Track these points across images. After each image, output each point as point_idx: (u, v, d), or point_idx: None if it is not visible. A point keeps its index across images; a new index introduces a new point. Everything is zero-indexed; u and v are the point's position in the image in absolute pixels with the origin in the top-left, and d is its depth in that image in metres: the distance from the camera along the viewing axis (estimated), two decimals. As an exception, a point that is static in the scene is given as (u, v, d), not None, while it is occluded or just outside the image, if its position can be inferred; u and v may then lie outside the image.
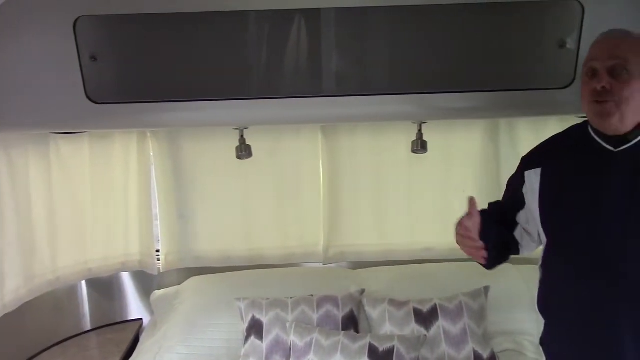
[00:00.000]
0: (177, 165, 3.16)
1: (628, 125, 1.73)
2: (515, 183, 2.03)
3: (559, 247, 1.90)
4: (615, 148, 1.76)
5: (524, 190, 1.98)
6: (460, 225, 1.84)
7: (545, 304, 1.99)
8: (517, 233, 2.04)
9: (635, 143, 1.75)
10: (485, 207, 3.08)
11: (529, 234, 2.01)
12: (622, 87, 1.69)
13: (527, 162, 2.01)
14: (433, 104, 2.56)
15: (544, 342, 2.05)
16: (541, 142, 2.06)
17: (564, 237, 1.87)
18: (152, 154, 3.15)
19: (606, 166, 1.77)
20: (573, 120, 2.88)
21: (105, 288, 3.30)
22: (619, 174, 1.75)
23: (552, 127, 3.03)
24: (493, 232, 1.91)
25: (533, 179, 1.94)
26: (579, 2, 2.39)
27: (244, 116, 2.63)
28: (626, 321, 1.74)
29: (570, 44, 2.47)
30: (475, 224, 1.83)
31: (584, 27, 2.42)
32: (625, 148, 1.75)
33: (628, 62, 1.69)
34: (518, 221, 2.02)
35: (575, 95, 2.50)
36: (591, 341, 1.81)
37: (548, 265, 1.96)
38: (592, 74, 1.75)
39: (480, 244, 1.81)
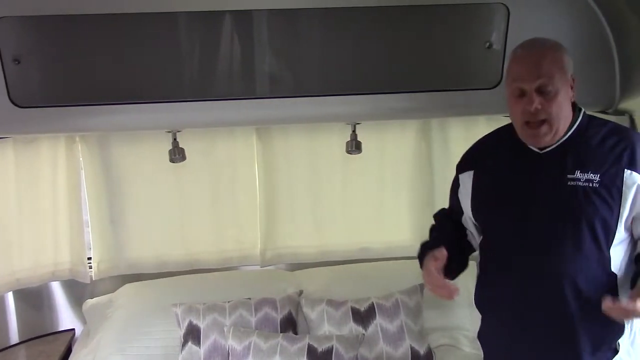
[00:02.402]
0: (108, 170, 3.08)
1: (560, 134, 1.81)
2: (454, 188, 2.09)
3: (489, 245, 1.96)
4: (541, 150, 1.83)
5: (459, 194, 2.03)
6: (427, 270, 1.87)
7: (480, 299, 2.04)
8: (469, 236, 2.08)
9: (560, 144, 1.82)
10: (422, 206, 3.17)
11: (474, 236, 2.06)
12: (551, 104, 1.74)
13: (461, 165, 2.07)
14: (366, 105, 2.60)
15: (481, 335, 2.10)
16: (473, 144, 2.11)
17: (493, 235, 1.93)
18: (81, 159, 3.06)
19: (532, 167, 1.84)
20: (501, 119, 2.98)
21: (34, 298, 3.17)
22: (545, 175, 1.82)
23: (481, 126, 3.12)
24: (448, 248, 1.90)
25: (466, 181, 1.99)
26: (504, 5, 2.47)
27: (176, 119, 2.59)
28: (553, 314, 1.80)
29: (497, 45, 2.54)
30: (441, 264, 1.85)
31: (509, 29, 2.50)
32: (551, 149, 1.82)
33: (553, 78, 1.74)
34: (465, 225, 2.07)
35: (502, 95, 2.59)
36: (524, 334, 1.86)
37: (482, 261, 2.01)
38: (520, 93, 1.78)
39: (445, 283, 1.84)
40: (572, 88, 1.80)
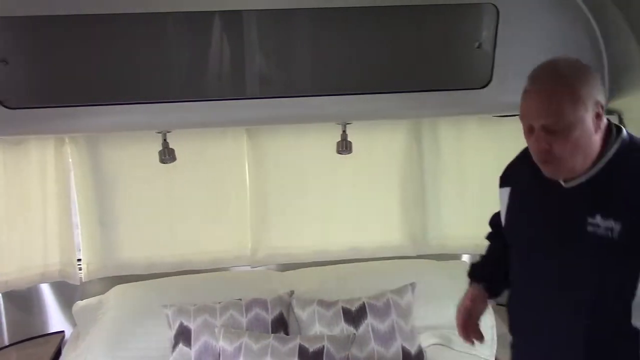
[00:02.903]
0: (98, 171, 3.07)
1: (580, 170, 1.65)
2: (496, 217, 2.01)
3: (513, 267, 1.90)
4: (565, 182, 1.68)
5: (500, 207, 1.96)
6: (459, 309, 1.96)
7: (509, 303, 1.96)
8: None
9: (585, 181, 1.65)
10: (412, 206, 3.18)
11: None
12: (561, 143, 1.59)
13: (502, 179, 1.98)
14: (356, 105, 2.60)
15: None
16: (518, 155, 1.97)
17: (514, 259, 1.88)
18: (70, 160, 3.04)
19: (558, 200, 1.71)
20: (491, 119, 3.00)
21: (23, 300, 3.15)
22: (568, 211, 1.68)
23: (471, 126, 3.14)
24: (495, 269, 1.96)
25: (504, 197, 1.91)
26: (494, 5, 2.47)
27: (166, 119, 2.58)
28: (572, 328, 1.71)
29: (487, 46, 2.55)
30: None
31: (499, 29, 2.51)
32: (574, 185, 1.67)
33: (562, 115, 1.58)
34: None
35: (492, 95, 2.60)
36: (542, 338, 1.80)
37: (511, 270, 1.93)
38: (529, 129, 1.65)
39: (468, 328, 1.95)
40: (599, 116, 1.61)
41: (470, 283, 2.03)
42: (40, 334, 3.19)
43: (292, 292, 2.91)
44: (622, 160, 1.63)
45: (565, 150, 1.60)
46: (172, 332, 2.73)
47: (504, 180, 1.95)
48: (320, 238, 3.21)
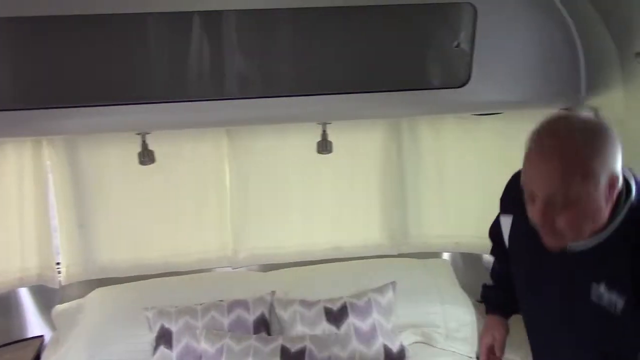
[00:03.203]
0: (77, 173, 3.04)
1: (585, 237, 1.51)
2: (497, 230, 1.90)
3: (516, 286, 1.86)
4: (569, 246, 1.55)
5: (502, 231, 1.85)
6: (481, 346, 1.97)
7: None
8: None
9: (590, 248, 1.52)
10: (393, 205, 3.19)
11: None
12: (567, 218, 1.44)
13: (503, 205, 1.88)
14: (336, 104, 2.60)
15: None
16: (514, 176, 1.84)
17: (517, 292, 1.84)
18: (48, 162, 3.01)
19: (556, 256, 1.57)
20: (470, 118, 3.02)
21: (1, 305, 3.11)
22: (567, 269, 1.60)
23: (450, 125, 3.16)
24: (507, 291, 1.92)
25: (506, 224, 1.82)
26: (472, 5, 2.49)
27: (145, 121, 2.57)
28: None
29: (465, 45, 2.57)
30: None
31: (477, 29, 2.53)
32: (577, 251, 1.55)
33: (571, 191, 1.41)
34: None
35: (471, 94, 2.62)
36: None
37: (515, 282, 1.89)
38: (530, 195, 1.49)
39: None
40: (612, 186, 1.43)
41: (486, 310, 2.05)
42: (19, 338, 3.15)
43: (273, 293, 2.91)
44: (629, 228, 1.48)
45: (569, 225, 1.45)
46: (153, 335, 2.71)
47: (505, 207, 1.84)
48: (302, 238, 3.22)
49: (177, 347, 2.65)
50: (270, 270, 3.22)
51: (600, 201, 1.43)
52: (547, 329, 1.73)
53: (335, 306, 2.77)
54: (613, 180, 1.43)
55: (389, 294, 2.83)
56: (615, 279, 1.49)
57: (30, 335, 3.18)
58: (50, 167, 3.01)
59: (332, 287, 2.93)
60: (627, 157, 2.66)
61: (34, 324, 3.19)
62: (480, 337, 2.03)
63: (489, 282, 2.09)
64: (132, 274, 3.13)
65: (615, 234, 1.49)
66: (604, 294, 1.51)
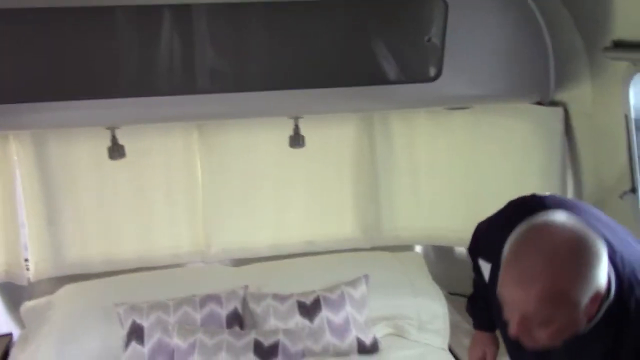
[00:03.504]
0: (45, 168, 2.99)
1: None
2: (476, 271, 1.88)
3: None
4: None
5: (483, 275, 1.80)
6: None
7: None
8: None
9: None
10: (365, 199, 3.20)
11: None
12: (544, 333, 1.35)
13: (477, 250, 1.87)
14: (308, 99, 2.60)
15: None
16: (493, 225, 1.81)
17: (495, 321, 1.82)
18: (15, 158, 2.95)
19: None
20: (441, 112, 3.04)
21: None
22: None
23: (422, 120, 3.17)
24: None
25: (485, 268, 1.77)
26: (443, 0, 2.51)
27: (115, 116, 2.54)
28: None
29: (436, 40, 2.59)
30: None
31: (448, 23, 2.55)
32: None
33: (550, 317, 1.32)
34: None
35: (442, 88, 2.64)
36: None
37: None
38: (506, 304, 1.38)
39: None
40: (594, 302, 1.34)
41: (474, 325, 2.05)
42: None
43: (246, 287, 2.90)
44: (603, 330, 1.42)
45: (547, 338, 1.37)
46: (125, 331, 2.69)
47: (482, 252, 1.79)
48: (274, 232, 3.21)
49: (149, 343, 2.63)
50: (243, 265, 3.21)
51: (581, 318, 1.35)
52: None
53: (309, 300, 2.77)
54: (596, 297, 1.33)
55: (362, 287, 2.84)
56: None
57: (-4, 334, 3.14)
58: (17, 163, 2.96)
59: (305, 281, 2.94)
60: (595, 151, 2.73)
61: (2, 322, 3.14)
62: (469, 351, 2.03)
63: (473, 293, 2.04)
64: (103, 270, 3.09)
65: (591, 332, 1.42)
66: None
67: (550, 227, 1.35)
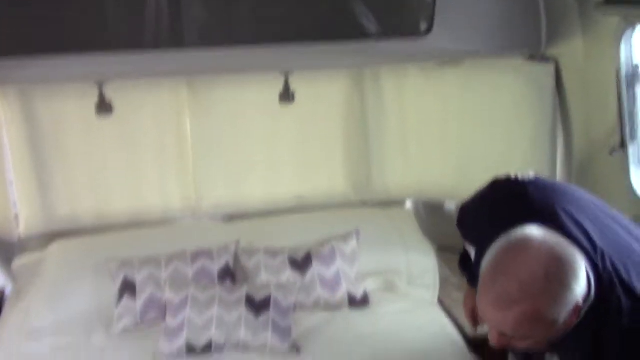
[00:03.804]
0: (32, 125, 2.95)
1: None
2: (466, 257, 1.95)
3: None
4: None
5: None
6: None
7: None
8: None
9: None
10: (356, 155, 3.20)
11: None
12: (523, 344, 1.43)
13: (464, 232, 1.90)
14: (299, 54, 2.57)
15: None
16: (478, 207, 1.82)
17: None
18: (2, 115, 2.91)
19: None
20: (433, 67, 3.02)
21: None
22: None
23: (412, 75, 3.15)
24: None
25: (471, 251, 1.83)
26: (435, -48, 2.47)
27: (102, 70, 2.51)
28: None
29: (427, -6, 2.55)
30: None
31: None
32: None
33: (524, 333, 1.38)
34: None
35: (434, 42, 2.62)
36: None
37: None
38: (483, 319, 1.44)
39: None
40: (573, 314, 1.38)
41: (467, 281, 2.05)
42: (-22, 293, 3.12)
43: (237, 242, 2.91)
44: (582, 333, 1.45)
45: (527, 347, 1.44)
46: (116, 287, 2.71)
47: (467, 236, 1.83)
48: (265, 188, 3.20)
49: (141, 298, 2.65)
50: (234, 220, 3.22)
51: (559, 330, 1.39)
52: None
53: (300, 255, 2.80)
54: (575, 310, 1.37)
55: (353, 242, 2.86)
56: (570, 357, 1.53)
57: (-10, 289, 3.15)
58: (3, 120, 2.92)
59: (296, 236, 2.95)
60: (586, 105, 2.73)
61: (-6, 278, 3.16)
62: (464, 305, 2.04)
63: (464, 251, 2.05)
64: (93, 226, 3.09)
65: (572, 334, 1.44)
66: None
67: (527, 248, 1.37)
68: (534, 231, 1.42)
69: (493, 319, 1.38)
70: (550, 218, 1.50)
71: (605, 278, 1.43)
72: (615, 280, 1.44)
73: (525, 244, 1.39)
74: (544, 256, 1.35)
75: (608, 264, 1.45)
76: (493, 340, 1.43)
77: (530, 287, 1.32)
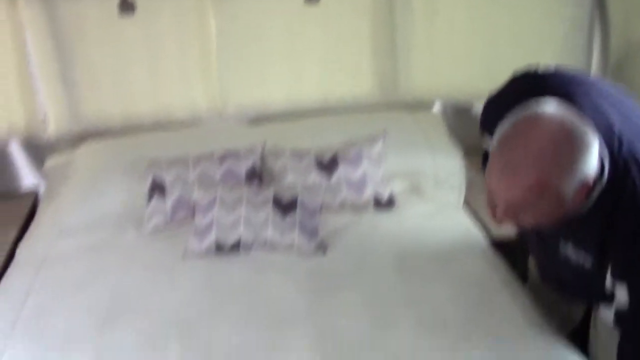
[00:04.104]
0: (55, 27, 2.91)
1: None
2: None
3: None
4: None
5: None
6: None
7: None
8: None
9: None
10: (383, 55, 3.12)
11: None
12: (529, 218, 1.45)
13: (487, 130, 1.83)
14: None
15: None
16: (492, 105, 1.84)
17: None
18: (25, 19, 2.87)
19: None
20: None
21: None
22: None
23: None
24: None
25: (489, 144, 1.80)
26: None
27: None
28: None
29: None
30: None
31: None
32: None
33: (531, 203, 1.39)
34: None
35: None
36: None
37: None
38: (490, 189, 1.46)
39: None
40: (582, 190, 1.39)
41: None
42: (13, 193, 3.20)
43: (264, 144, 2.91)
44: (598, 212, 1.46)
45: (533, 223, 1.46)
46: (146, 187, 2.75)
47: (489, 128, 1.76)
48: (290, 88, 3.16)
49: (170, 198, 2.69)
50: (261, 123, 3.21)
51: (566, 206, 1.39)
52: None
53: (326, 157, 2.79)
54: (582, 187, 1.37)
55: (379, 144, 2.84)
56: (583, 242, 1.53)
57: (23, 190, 3.22)
58: (26, 22, 2.89)
59: (322, 138, 2.94)
60: (625, 4, 2.60)
61: (26, 179, 3.22)
62: (486, 201, 2.04)
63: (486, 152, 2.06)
64: (121, 127, 3.11)
65: (586, 217, 1.46)
66: (572, 253, 1.56)
67: (538, 120, 1.37)
68: (547, 106, 1.42)
69: (501, 186, 1.40)
70: (567, 99, 1.48)
71: (621, 162, 1.43)
72: (632, 165, 1.43)
73: (537, 117, 1.39)
74: (555, 129, 1.36)
75: (625, 148, 1.44)
76: (499, 215, 1.46)
77: (537, 157, 1.34)
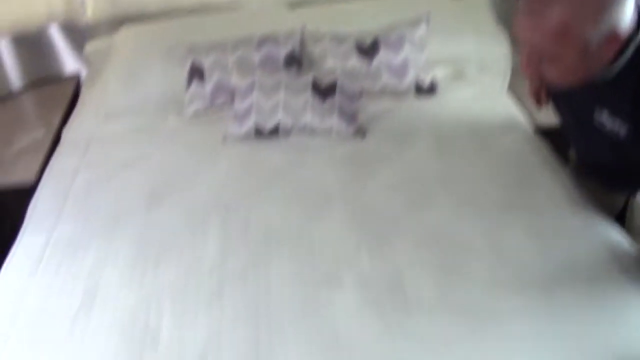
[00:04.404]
0: None
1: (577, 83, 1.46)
2: None
3: None
4: None
5: None
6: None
7: None
8: None
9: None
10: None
11: None
12: (554, 71, 1.42)
13: None
14: None
15: None
16: None
17: None
18: None
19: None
20: None
21: (33, 45, 3.13)
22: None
23: None
24: None
25: None
26: None
27: None
28: None
29: None
30: None
31: None
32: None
33: (552, 49, 1.37)
34: None
35: None
36: None
37: None
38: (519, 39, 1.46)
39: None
40: (610, 43, 1.33)
41: None
42: (55, 76, 3.23)
43: (304, 27, 2.84)
44: (635, 66, 1.38)
45: (555, 77, 1.43)
46: (185, 71, 2.74)
47: None
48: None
49: (210, 83, 2.69)
50: (299, 7, 3.12)
51: (591, 59, 1.35)
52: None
53: (367, 41, 2.71)
54: (611, 38, 1.31)
55: (422, 28, 2.74)
56: (618, 107, 1.45)
57: (65, 73, 3.25)
58: None
59: (362, 22, 2.84)
60: None
61: (68, 63, 3.24)
62: (529, 86, 1.98)
63: None
64: (159, 12, 3.07)
65: (617, 78, 1.40)
66: (607, 121, 1.48)
67: None
68: None
69: (526, 27, 1.38)
70: None
71: None
72: None
73: None
74: None
75: None
76: (523, 62, 1.46)
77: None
